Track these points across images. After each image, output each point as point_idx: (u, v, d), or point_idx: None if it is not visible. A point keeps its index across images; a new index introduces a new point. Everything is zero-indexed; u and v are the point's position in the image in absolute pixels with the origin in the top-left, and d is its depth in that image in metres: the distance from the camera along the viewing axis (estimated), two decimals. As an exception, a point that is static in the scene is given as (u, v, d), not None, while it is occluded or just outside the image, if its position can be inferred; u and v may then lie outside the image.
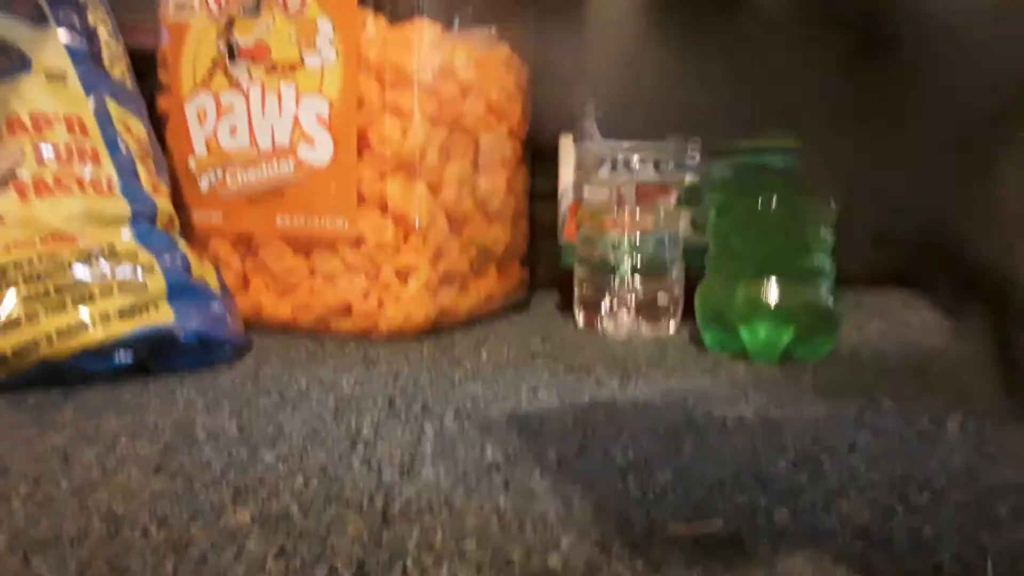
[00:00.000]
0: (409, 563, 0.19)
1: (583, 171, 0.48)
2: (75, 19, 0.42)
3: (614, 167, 0.45)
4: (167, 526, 0.20)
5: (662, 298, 0.46)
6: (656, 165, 0.45)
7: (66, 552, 0.19)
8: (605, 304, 0.46)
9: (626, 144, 0.45)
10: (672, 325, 0.47)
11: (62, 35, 0.40)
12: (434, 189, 0.45)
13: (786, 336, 0.39)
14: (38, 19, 0.40)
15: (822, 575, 0.19)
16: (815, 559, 0.19)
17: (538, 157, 0.58)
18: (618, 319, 0.46)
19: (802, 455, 0.26)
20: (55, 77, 0.40)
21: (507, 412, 0.31)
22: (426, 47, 0.44)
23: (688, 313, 0.45)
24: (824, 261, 0.40)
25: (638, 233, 0.46)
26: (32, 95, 0.39)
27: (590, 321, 0.47)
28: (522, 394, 0.33)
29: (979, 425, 0.30)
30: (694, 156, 0.48)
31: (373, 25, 0.43)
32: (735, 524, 0.21)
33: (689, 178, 0.48)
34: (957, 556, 0.19)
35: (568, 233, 0.54)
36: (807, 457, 0.26)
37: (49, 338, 0.33)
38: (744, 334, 0.40)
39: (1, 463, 0.25)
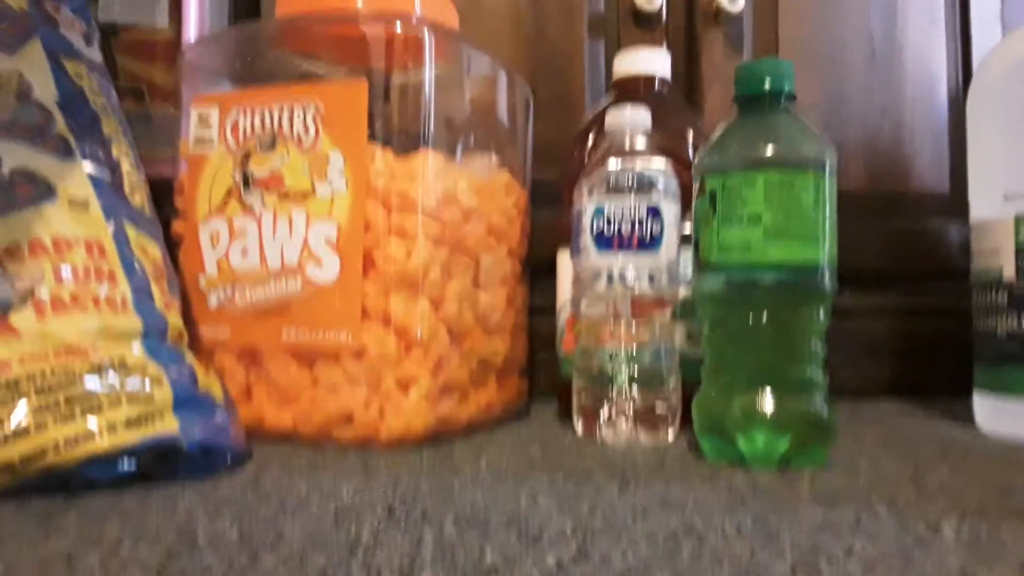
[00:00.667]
0: (407, 664, 0.19)
1: (579, 285, 0.49)
2: (100, 152, 0.44)
3: (610, 281, 0.47)
4: (167, 628, 0.21)
5: (660, 408, 0.47)
6: (651, 279, 0.47)
7: (66, 654, 0.19)
8: (603, 413, 0.47)
9: (621, 258, 0.47)
10: (670, 434, 0.47)
11: (87, 167, 0.43)
12: (436, 305, 0.47)
13: (783, 445, 0.40)
14: (65, 152, 0.43)
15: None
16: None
17: (537, 272, 0.60)
18: (617, 428, 0.47)
19: (800, 560, 0.26)
20: (78, 205, 0.42)
21: (506, 518, 0.31)
22: (430, 177, 0.47)
23: (686, 422, 0.45)
24: (817, 372, 0.41)
25: (634, 345, 0.47)
26: (55, 221, 0.41)
27: (589, 430, 0.48)
28: (521, 500, 0.33)
29: (974, 528, 0.30)
30: (687, 270, 0.50)
31: (381, 158, 0.46)
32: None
33: (683, 292, 0.50)
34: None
35: (566, 345, 0.55)
36: (805, 562, 0.26)
37: (56, 447, 0.34)
38: (742, 443, 0.40)
39: (7, 566, 0.25)
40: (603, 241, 0.47)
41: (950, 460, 0.43)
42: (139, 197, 0.46)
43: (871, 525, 0.30)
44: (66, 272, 0.40)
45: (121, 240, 0.43)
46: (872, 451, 0.45)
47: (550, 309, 0.58)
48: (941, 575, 0.25)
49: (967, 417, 0.53)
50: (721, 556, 0.27)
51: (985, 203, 0.52)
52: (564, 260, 0.56)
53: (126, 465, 0.35)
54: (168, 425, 0.37)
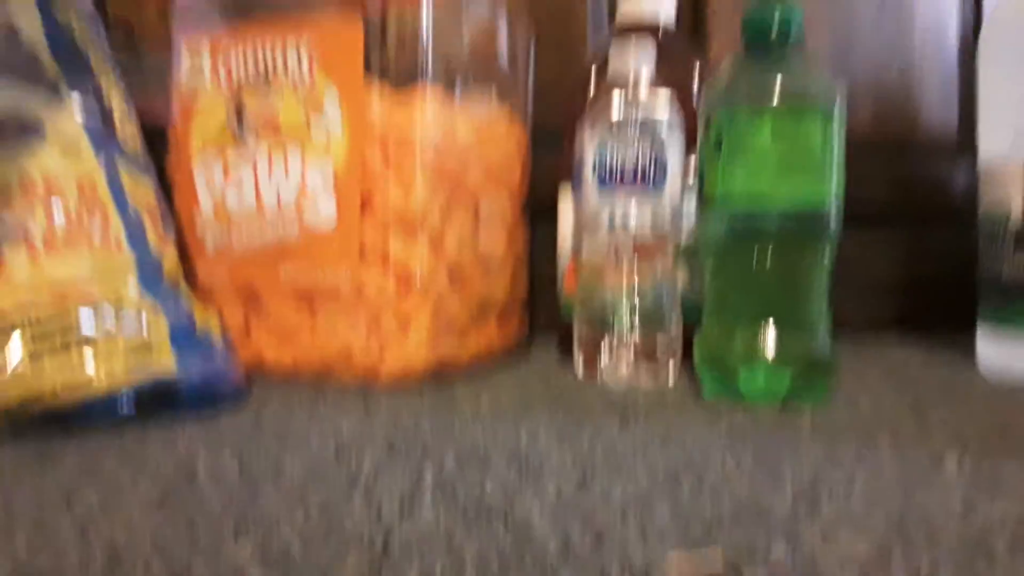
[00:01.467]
0: (408, 594, 0.19)
1: (581, 227, 0.49)
2: (90, 92, 0.43)
3: (612, 223, 0.47)
4: (168, 560, 0.21)
5: (661, 349, 0.46)
6: (653, 220, 0.46)
7: (66, 583, 0.19)
8: (604, 354, 0.47)
9: (623, 199, 0.46)
10: (671, 375, 0.47)
11: (76, 106, 0.42)
12: (435, 246, 0.46)
13: (784, 382, 0.40)
14: (54, 89, 0.42)
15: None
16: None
17: (539, 212, 0.59)
18: (617, 369, 0.46)
19: (800, 494, 0.26)
20: (69, 144, 0.41)
21: (507, 454, 0.31)
22: (429, 115, 0.46)
23: (686, 364, 0.45)
24: (820, 311, 0.41)
25: (636, 288, 0.47)
26: (46, 160, 0.40)
27: (589, 371, 0.48)
28: (522, 437, 0.33)
29: (976, 462, 0.30)
30: (690, 211, 0.49)
31: (378, 93, 0.45)
32: (733, 559, 0.21)
33: (686, 231, 0.49)
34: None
35: (567, 287, 0.55)
36: (805, 496, 0.26)
37: (54, 389, 0.34)
38: (742, 381, 0.40)
39: (4, 503, 0.25)
40: (605, 182, 0.46)
41: (951, 397, 0.43)
42: (131, 138, 0.46)
43: (873, 460, 0.30)
44: (58, 212, 0.40)
45: (113, 179, 0.42)
46: (874, 388, 0.45)
47: (551, 250, 0.58)
48: (944, 509, 0.25)
49: (968, 357, 0.53)
50: (721, 491, 0.27)
51: (995, 146, 0.52)
52: (566, 200, 0.55)
53: (124, 406, 0.35)
54: (166, 364, 0.37)
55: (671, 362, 0.47)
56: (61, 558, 0.21)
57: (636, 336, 0.46)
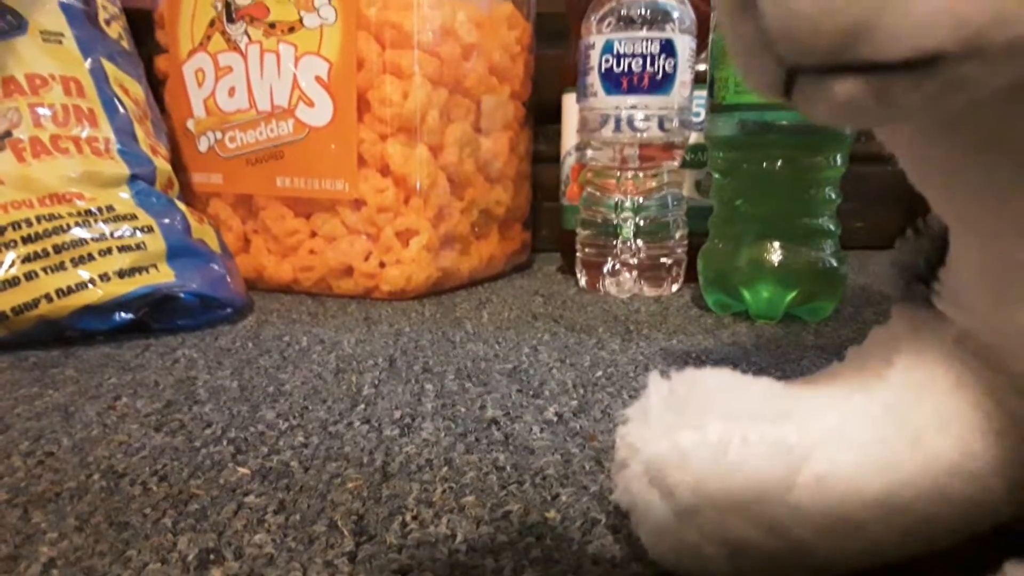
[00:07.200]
0: (408, 518, 0.19)
1: (586, 131, 0.47)
2: (73, -22, 0.41)
3: (618, 125, 0.45)
4: (167, 481, 0.21)
5: (665, 260, 0.46)
6: (661, 123, 0.45)
7: (66, 506, 0.19)
8: (607, 266, 0.46)
9: (630, 100, 0.44)
10: (675, 286, 0.46)
11: (60, -3, 0.40)
12: (435, 151, 0.45)
13: (789, 297, 0.39)
14: (35, -21, 0.39)
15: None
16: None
17: (542, 118, 0.57)
18: (620, 280, 0.46)
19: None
20: (51, 38, 0.39)
21: (508, 371, 0.31)
22: (426, 6, 0.43)
23: (691, 275, 0.44)
24: (829, 222, 0.40)
25: (641, 194, 0.45)
26: (28, 56, 0.38)
27: (592, 283, 0.47)
28: (523, 354, 0.33)
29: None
30: (700, 113, 0.48)
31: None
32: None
33: (694, 137, 0.48)
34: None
35: (571, 195, 0.54)
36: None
37: (48, 297, 0.33)
38: (747, 296, 0.40)
39: (2, 420, 0.25)
40: (612, 81, 0.44)
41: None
42: (117, 30, 0.43)
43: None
44: (44, 113, 0.38)
45: (100, 78, 0.41)
46: (879, 303, 0.45)
47: (554, 157, 0.56)
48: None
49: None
50: (723, 409, 0.26)
51: None
52: (570, 104, 0.53)
53: (122, 316, 0.35)
54: (163, 275, 0.36)
55: (675, 273, 0.46)
56: (60, 482, 0.21)
57: (640, 246, 0.45)
